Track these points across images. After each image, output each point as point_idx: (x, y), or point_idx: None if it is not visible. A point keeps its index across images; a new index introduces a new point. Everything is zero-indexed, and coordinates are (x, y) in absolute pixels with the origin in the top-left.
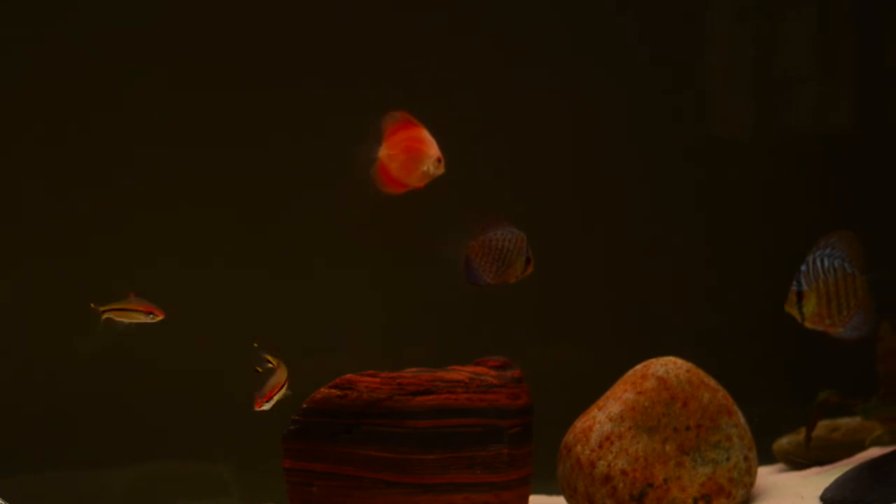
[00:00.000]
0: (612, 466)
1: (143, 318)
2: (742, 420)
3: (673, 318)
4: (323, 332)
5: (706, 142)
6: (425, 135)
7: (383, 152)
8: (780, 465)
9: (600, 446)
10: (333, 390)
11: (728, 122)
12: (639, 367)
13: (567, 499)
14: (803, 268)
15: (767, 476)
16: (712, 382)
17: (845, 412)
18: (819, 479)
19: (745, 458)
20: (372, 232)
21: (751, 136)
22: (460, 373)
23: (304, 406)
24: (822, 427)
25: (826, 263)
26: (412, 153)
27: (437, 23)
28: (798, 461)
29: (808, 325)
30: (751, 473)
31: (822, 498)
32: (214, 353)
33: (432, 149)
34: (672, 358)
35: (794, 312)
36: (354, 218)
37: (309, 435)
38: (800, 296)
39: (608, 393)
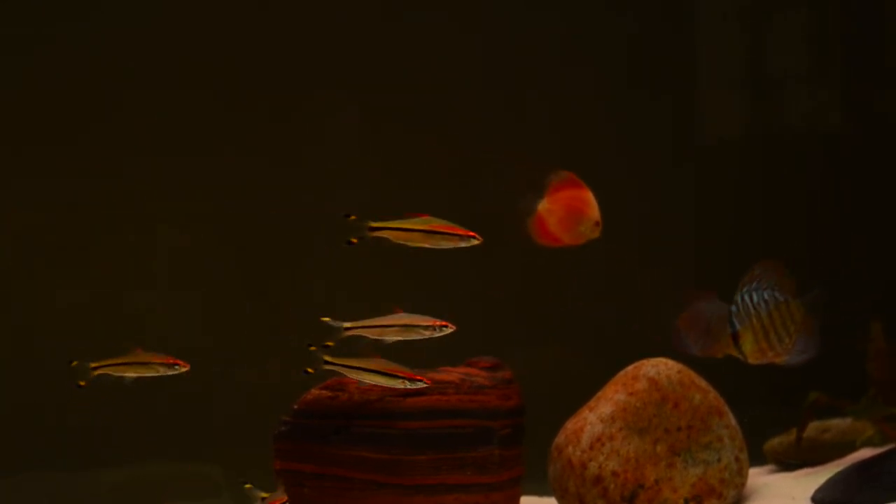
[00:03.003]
0: (603, 467)
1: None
2: (733, 421)
3: (664, 318)
4: (315, 333)
5: (702, 143)
6: (589, 197)
7: (543, 206)
8: (771, 466)
9: (591, 447)
10: (324, 391)
11: (722, 123)
12: (630, 368)
13: (558, 500)
14: (733, 308)
15: (758, 477)
16: (703, 383)
17: (836, 413)
18: (810, 480)
19: (737, 459)
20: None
21: (745, 136)
22: (451, 374)
23: (295, 407)
24: (813, 428)
25: (755, 298)
26: (572, 212)
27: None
28: (789, 462)
29: (751, 362)
30: (742, 474)
31: (813, 499)
32: (207, 353)
33: (593, 211)
34: (663, 359)
35: (734, 353)
36: (351, 218)
37: (300, 436)
38: (735, 336)
39: (599, 394)
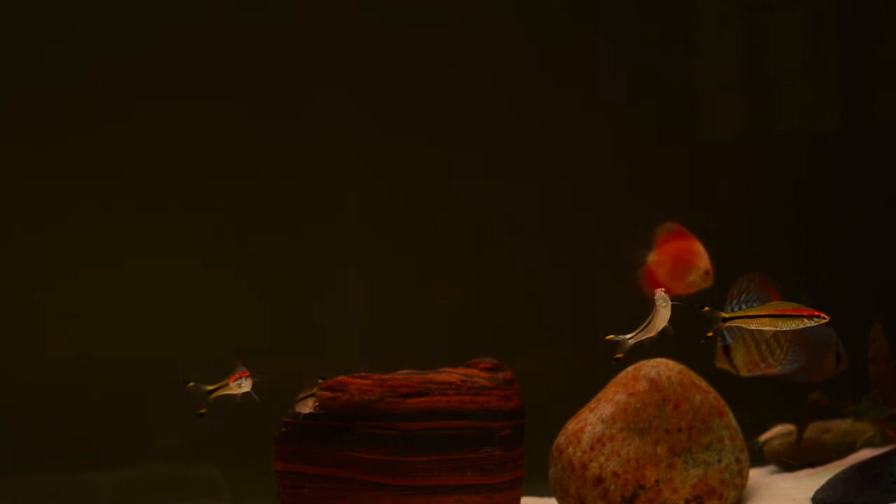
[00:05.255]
0: (603, 468)
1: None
2: (734, 422)
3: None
4: (315, 334)
5: (702, 143)
6: (698, 247)
7: (652, 258)
8: (771, 467)
9: (592, 448)
10: (324, 392)
11: (722, 123)
12: (630, 368)
13: (559, 500)
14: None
15: (759, 477)
16: (704, 384)
17: (836, 414)
18: (811, 481)
19: (737, 460)
20: (367, 232)
21: (745, 136)
22: (452, 375)
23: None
24: (814, 429)
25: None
26: (680, 262)
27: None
28: (790, 463)
29: (743, 374)
30: (742, 475)
31: (814, 499)
32: (207, 354)
33: (702, 261)
34: (664, 360)
35: (727, 366)
36: (352, 217)
37: (300, 437)
38: (727, 350)
39: (600, 395)
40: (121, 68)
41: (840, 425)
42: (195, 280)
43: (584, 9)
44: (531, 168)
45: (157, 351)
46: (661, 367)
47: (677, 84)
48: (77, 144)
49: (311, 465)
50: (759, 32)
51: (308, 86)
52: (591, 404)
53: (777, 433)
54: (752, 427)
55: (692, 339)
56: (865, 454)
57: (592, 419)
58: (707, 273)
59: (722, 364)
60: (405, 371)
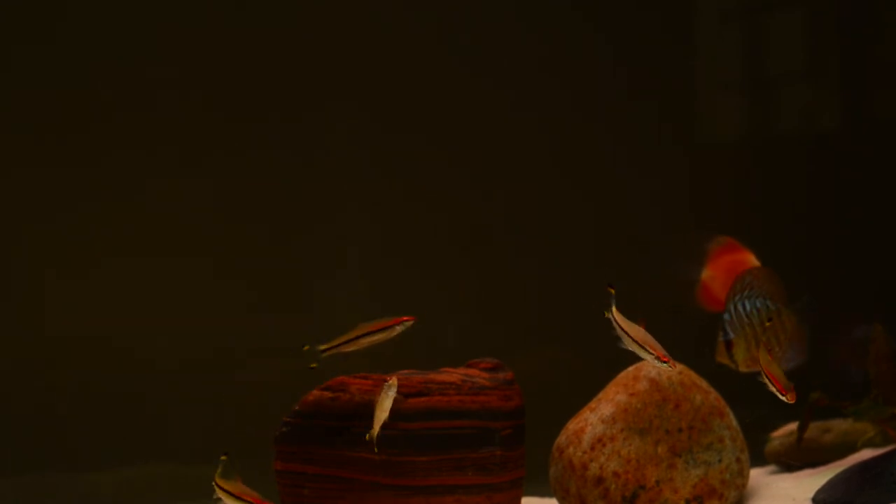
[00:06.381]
0: (604, 468)
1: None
2: (734, 422)
3: (666, 319)
4: (315, 333)
5: (702, 143)
6: (750, 259)
7: (706, 274)
8: (772, 467)
9: (592, 448)
10: (325, 392)
11: (722, 123)
12: (631, 368)
13: (559, 500)
14: (726, 317)
15: (759, 477)
16: (704, 384)
17: (837, 414)
18: (811, 481)
19: (738, 460)
20: (367, 231)
21: (744, 136)
22: (452, 375)
23: (296, 408)
24: (814, 429)
25: (748, 306)
26: (734, 276)
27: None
28: (790, 463)
29: (742, 369)
30: (743, 475)
31: (814, 499)
32: (207, 353)
33: None
34: None
35: (727, 361)
36: (353, 218)
37: (300, 437)
38: (728, 345)
39: (600, 395)
40: (120, 67)
41: (840, 425)
42: (196, 279)
43: (584, 8)
44: (531, 168)
45: (158, 351)
46: (662, 368)
47: (677, 84)
48: (76, 144)
49: (312, 464)
50: (759, 32)
51: (309, 84)
52: (592, 404)
53: (788, 431)
54: (759, 425)
55: (691, 339)
56: (866, 454)
57: (593, 419)
58: None
59: (722, 359)
60: (405, 371)
